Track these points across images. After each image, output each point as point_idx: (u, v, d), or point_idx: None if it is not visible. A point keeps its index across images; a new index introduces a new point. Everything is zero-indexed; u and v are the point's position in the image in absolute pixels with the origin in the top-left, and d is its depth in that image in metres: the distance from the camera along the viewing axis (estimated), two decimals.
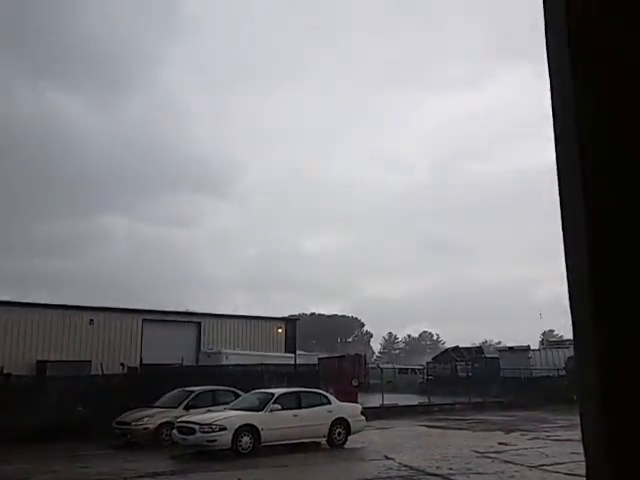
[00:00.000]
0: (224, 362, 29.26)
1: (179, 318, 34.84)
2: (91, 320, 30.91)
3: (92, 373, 24.80)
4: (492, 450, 14.07)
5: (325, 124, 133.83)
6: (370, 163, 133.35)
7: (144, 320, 32.84)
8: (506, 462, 12.34)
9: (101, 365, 24.02)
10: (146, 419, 16.31)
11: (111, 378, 21.18)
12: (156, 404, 17.45)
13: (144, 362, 29.40)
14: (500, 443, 15.27)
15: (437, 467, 11.88)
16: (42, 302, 31.15)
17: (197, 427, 14.10)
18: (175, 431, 14.74)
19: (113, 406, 18.10)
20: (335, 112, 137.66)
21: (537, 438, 16.53)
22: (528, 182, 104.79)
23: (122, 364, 28.60)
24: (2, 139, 76.29)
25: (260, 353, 32.28)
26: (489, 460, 12.67)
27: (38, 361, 27.89)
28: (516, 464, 11.96)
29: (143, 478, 11.54)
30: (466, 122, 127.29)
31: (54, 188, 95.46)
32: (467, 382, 32.10)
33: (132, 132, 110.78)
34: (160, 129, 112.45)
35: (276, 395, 15.33)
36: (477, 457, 13.11)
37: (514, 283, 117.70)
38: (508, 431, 17.97)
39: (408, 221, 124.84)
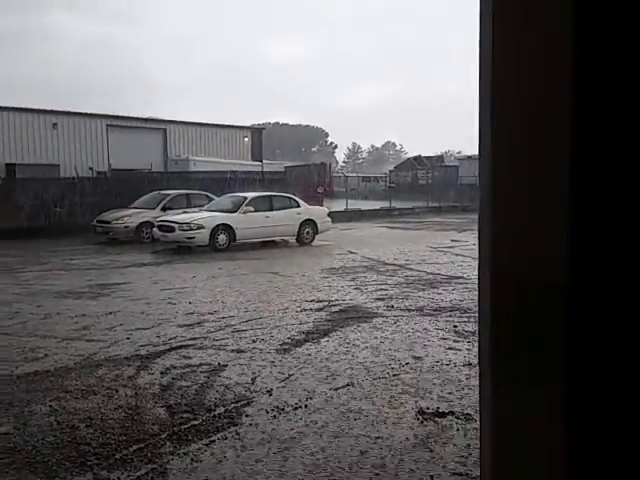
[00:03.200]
0: (192, 169, 29.78)
1: (144, 125, 34.47)
2: (54, 124, 30.36)
3: (62, 176, 25.08)
4: (445, 246, 15.64)
5: None
6: None
7: (108, 125, 32.46)
8: (456, 255, 13.86)
9: (75, 168, 24.30)
10: (126, 218, 17.14)
11: (84, 180, 21.47)
12: (133, 205, 18.25)
13: (112, 167, 29.80)
14: (453, 240, 16.87)
15: (395, 259, 13.31)
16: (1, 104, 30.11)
17: (176, 226, 15.08)
18: (156, 229, 15.75)
19: (88, 208, 18.83)
20: None
21: None
22: None
23: (91, 168, 28.93)
24: None
25: (228, 161, 32.74)
26: (442, 253, 14.19)
27: (7, 164, 27.75)
28: (465, 256, 13.45)
29: (132, 267, 12.64)
30: None
31: None
32: (427, 189, 33.83)
33: None
34: None
35: (249, 198, 16.17)
36: (431, 251, 14.63)
37: None
38: (461, 230, 19.63)
39: (376, 25, 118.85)
